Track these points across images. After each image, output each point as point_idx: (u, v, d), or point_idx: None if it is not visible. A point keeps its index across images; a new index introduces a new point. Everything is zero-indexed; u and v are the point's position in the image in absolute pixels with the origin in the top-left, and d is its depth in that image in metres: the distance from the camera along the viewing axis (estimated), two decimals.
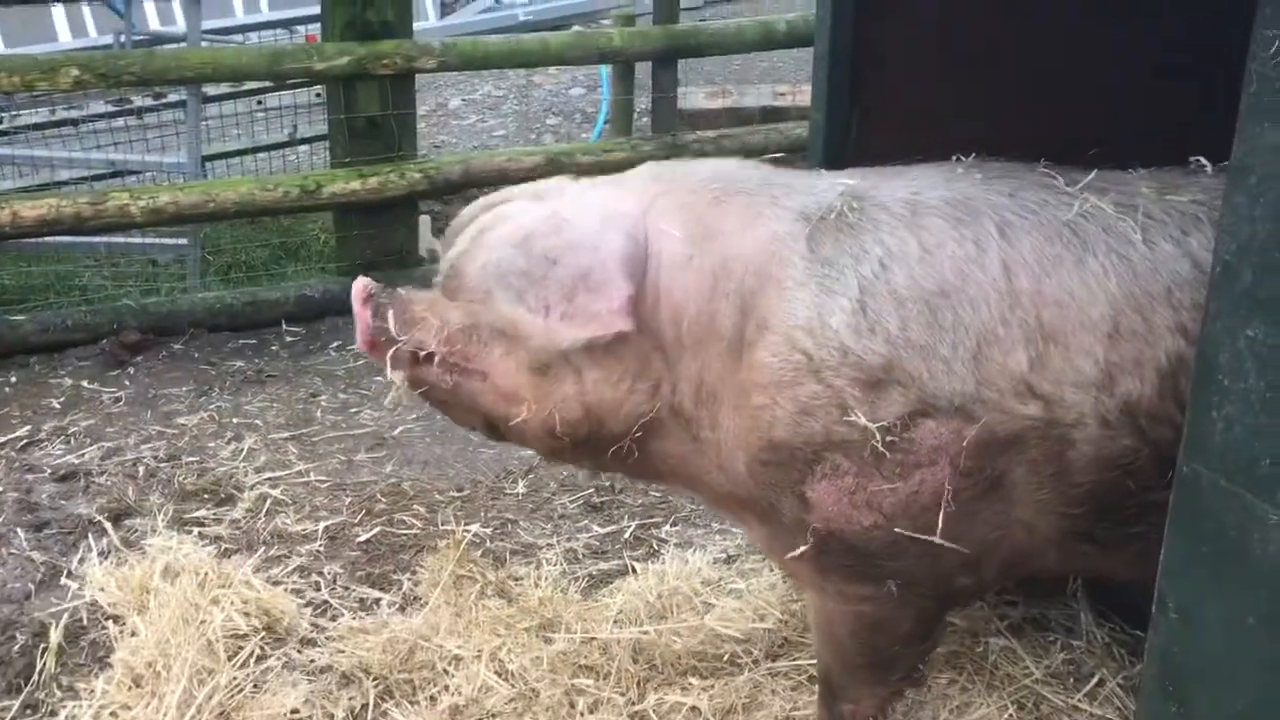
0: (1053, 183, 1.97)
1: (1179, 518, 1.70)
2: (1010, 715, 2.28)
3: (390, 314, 2.03)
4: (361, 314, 2.07)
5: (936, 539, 1.87)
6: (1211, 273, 1.60)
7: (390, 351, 2.03)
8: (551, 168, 5.17)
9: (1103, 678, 2.36)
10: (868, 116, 2.67)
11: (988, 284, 1.84)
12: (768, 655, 2.54)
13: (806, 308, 1.84)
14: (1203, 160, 2.04)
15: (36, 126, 5.15)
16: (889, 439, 1.80)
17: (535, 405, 1.96)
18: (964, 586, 2.00)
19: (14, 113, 5.09)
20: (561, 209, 1.95)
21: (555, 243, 1.90)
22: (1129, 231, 1.88)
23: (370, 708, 2.46)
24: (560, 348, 1.91)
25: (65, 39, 7.56)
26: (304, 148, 5.65)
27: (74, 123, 5.19)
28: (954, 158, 2.12)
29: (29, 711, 2.52)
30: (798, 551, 1.93)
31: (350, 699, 2.48)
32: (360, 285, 2.08)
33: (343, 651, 2.62)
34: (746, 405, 1.88)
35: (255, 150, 5.41)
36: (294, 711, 2.40)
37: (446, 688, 2.48)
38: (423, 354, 2.01)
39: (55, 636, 2.68)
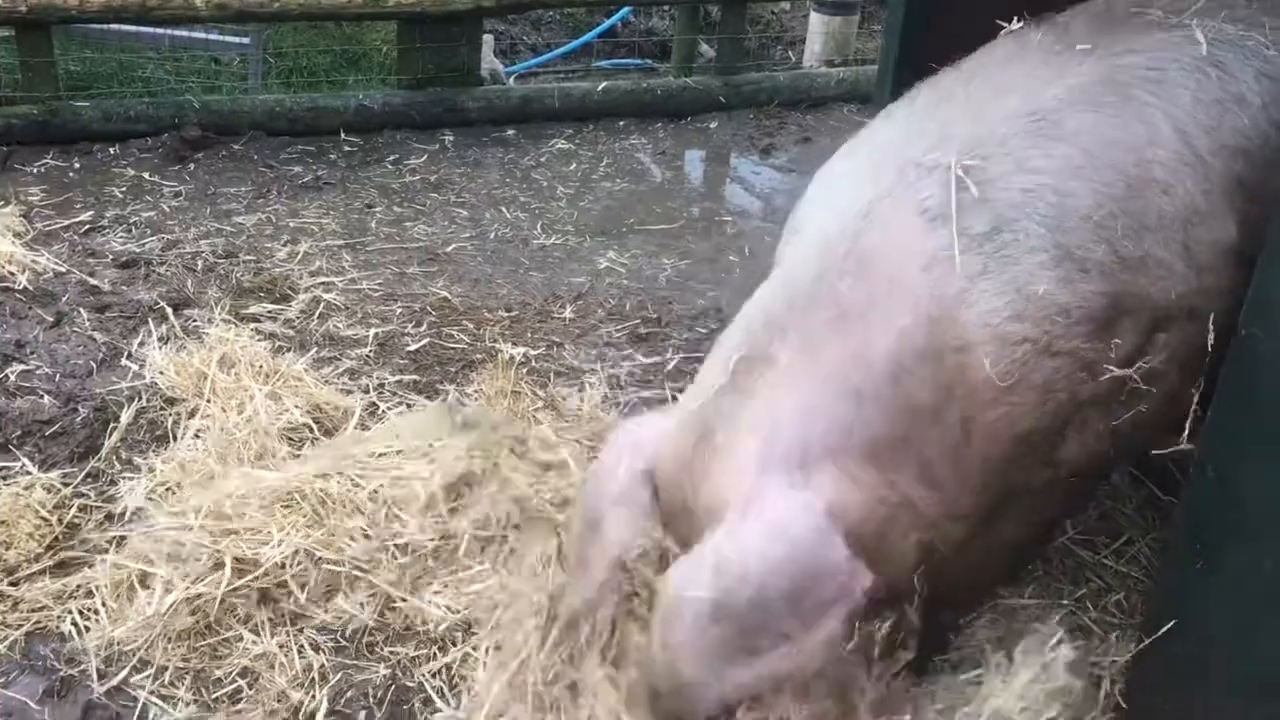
0: (1158, 18, 1.85)
1: (1232, 381, 1.70)
2: (1034, 566, 2.34)
3: None
4: None
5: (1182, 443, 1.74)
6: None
7: None
8: None
9: (1132, 537, 2.41)
10: None
11: (1172, 161, 1.70)
12: None
13: (999, 297, 1.65)
14: None
15: None
16: (1138, 371, 1.68)
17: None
18: None
19: None
20: (722, 553, 1.63)
21: (755, 596, 1.61)
22: (1261, 46, 1.78)
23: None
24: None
25: None
26: None
27: None
28: (1006, 29, 1.98)
29: (90, 479, 2.63)
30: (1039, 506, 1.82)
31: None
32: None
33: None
34: (982, 422, 1.68)
35: None
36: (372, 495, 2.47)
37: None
38: None
39: (125, 416, 2.77)
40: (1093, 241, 1.66)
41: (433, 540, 2.37)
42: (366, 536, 2.36)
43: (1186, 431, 1.73)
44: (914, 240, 1.67)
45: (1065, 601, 2.24)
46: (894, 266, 1.67)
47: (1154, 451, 1.80)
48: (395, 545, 2.36)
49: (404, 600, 2.29)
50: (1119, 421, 1.71)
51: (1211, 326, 1.68)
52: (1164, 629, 1.84)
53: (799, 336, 1.70)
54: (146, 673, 2.16)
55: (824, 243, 1.77)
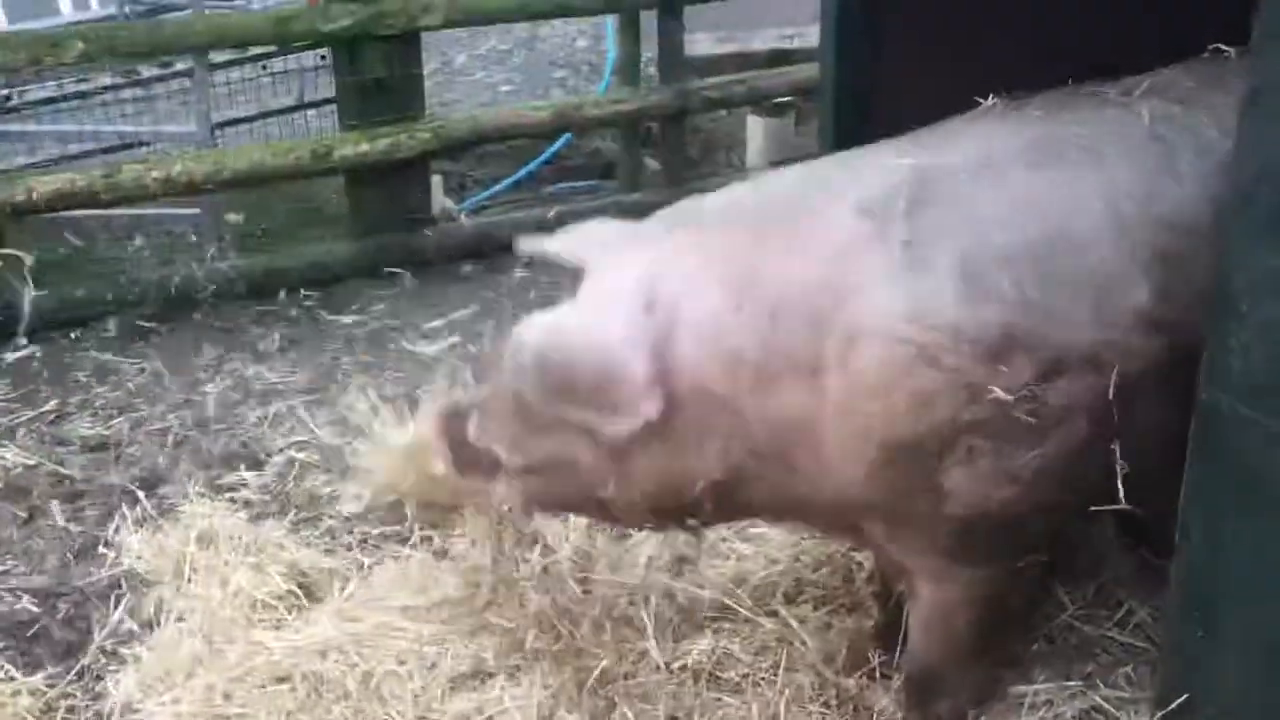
0: (1112, 97, 1.97)
1: (1200, 445, 1.71)
2: (1040, 647, 2.31)
3: (467, 431, 2.08)
4: (440, 447, 2.11)
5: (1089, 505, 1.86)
6: (1228, 197, 1.60)
7: (483, 471, 2.06)
8: (561, 121, 5.17)
9: (1131, 607, 2.39)
10: (880, 56, 2.65)
11: (1094, 222, 1.79)
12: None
13: (901, 298, 1.76)
14: (1222, 47, 2.04)
15: (45, 101, 5.15)
16: (1025, 407, 1.73)
17: (615, 484, 1.93)
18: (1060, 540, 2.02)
19: (21, 89, 5.09)
20: (561, 316, 1.92)
21: (562, 356, 1.87)
22: (1204, 128, 1.87)
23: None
24: (611, 440, 1.87)
25: (68, 12, 7.53)
26: (312, 111, 5.64)
27: (82, 95, 5.19)
28: (990, 98, 2.09)
29: (76, 678, 2.57)
30: (932, 543, 1.89)
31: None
32: (434, 421, 2.16)
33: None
34: (855, 415, 1.79)
35: (264, 116, 5.40)
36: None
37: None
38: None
39: (112, 612, 2.74)
40: (1002, 278, 1.76)
41: None
42: None
43: (1120, 492, 1.78)
44: (841, 223, 1.83)
45: (1074, 681, 2.21)
46: (818, 237, 1.83)
47: (1093, 509, 1.85)
48: None
49: None
50: (1015, 465, 1.75)
51: (1113, 381, 1.75)
52: (1175, 703, 1.82)
53: (717, 237, 1.90)
54: None
55: (766, 199, 1.98)
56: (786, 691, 2.24)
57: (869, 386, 1.76)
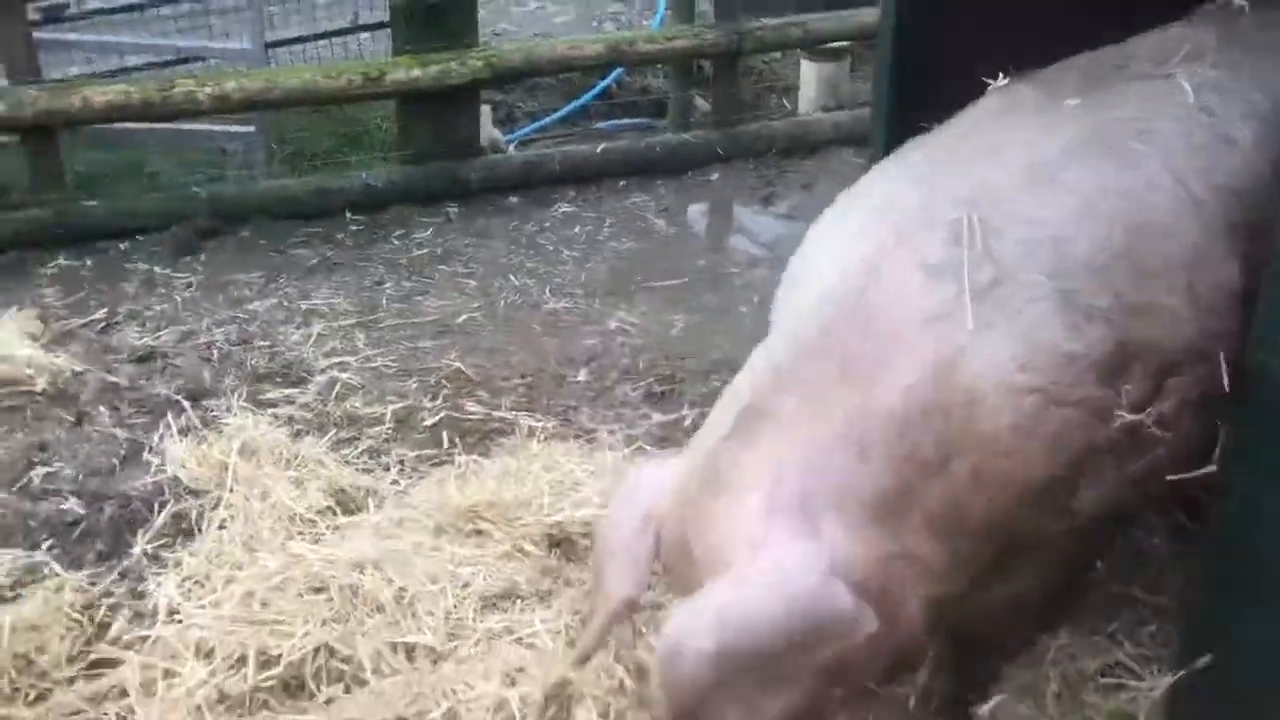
0: (1146, 70, 1.90)
1: (1246, 409, 1.70)
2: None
3: None
4: None
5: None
6: None
7: None
8: (613, 55, 5.14)
9: (1162, 567, 2.39)
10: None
11: (1169, 206, 1.72)
12: None
13: (1007, 349, 1.64)
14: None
15: (102, 12, 5.18)
16: (1149, 416, 1.68)
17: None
18: None
19: None
20: (725, 606, 1.59)
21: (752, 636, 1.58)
22: (1245, 89, 1.82)
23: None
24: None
25: None
26: (364, 36, 5.64)
27: (140, 7, 5.21)
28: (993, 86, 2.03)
29: (119, 578, 2.65)
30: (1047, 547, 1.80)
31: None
32: None
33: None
34: (992, 477, 1.67)
35: (317, 37, 5.40)
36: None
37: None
38: None
39: (157, 516, 2.80)
40: (1096, 288, 1.66)
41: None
42: None
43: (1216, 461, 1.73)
44: (916, 297, 1.68)
45: (1098, 637, 2.23)
46: (898, 322, 1.68)
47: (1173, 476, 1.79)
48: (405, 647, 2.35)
49: None
50: (1136, 468, 1.71)
51: (1225, 369, 1.69)
52: (1199, 662, 1.83)
53: (804, 389, 1.70)
54: None
55: (827, 297, 1.76)
56: None
57: (1003, 447, 1.65)
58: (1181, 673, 1.88)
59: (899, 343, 1.67)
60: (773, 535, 1.61)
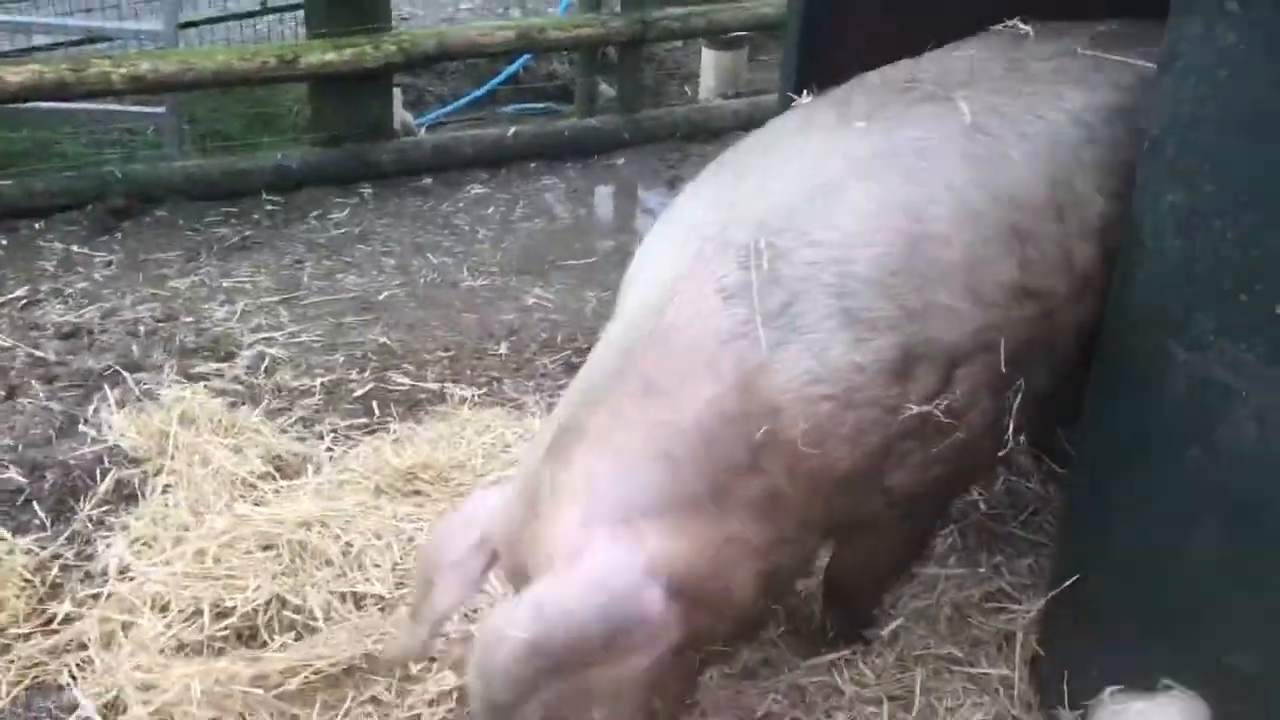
0: (925, 91, 2.09)
1: (1104, 359, 1.98)
2: (954, 541, 2.61)
3: None
4: None
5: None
6: (1139, 146, 1.85)
7: None
8: (523, 42, 5.29)
9: (1036, 508, 2.69)
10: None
11: (948, 215, 1.90)
12: None
13: (796, 362, 1.80)
14: (1019, 23, 2.27)
15: None
16: (940, 405, 1.86)
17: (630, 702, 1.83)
18: None
19: None
20: (542, 600, 1.72)
21: (564, 631, 1.70)
22: (1019, 113, 2.05)
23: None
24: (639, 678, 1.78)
25: None
26: (272, 18, 5.69)
27: None
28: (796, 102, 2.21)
29: (67, 542, 2.75)
30: (879, 520, 2.04)
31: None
32: None
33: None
34: (802, 474, 1.85)
35: (227, 19, 5.44)
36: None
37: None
38: None
39: (102, 479, 2.91)
40: (877, 301, 1.83)
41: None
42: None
43: (1009, 441, 1.98)
44: (714, 318, 1.82)
45: (983, 569, 2.51)
46: (696, 342, 1.82)
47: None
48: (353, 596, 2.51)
49: None
50: (941, 448, 1.92)
51: (1003, 353, 1.91)
52: (1067, 582, 2.11)
53: (609, 407, 1.82)
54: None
55: (631, 319, 1.91)
56: None
57: (807, 448, 1.81)
58: (1052, 594, 2.17)
59: (699, 360, 1.81)
60: (591, 543, 1.74)
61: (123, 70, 4.42)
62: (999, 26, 2.31)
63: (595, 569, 1.72)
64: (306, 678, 2.25)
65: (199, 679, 2.20)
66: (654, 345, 1.83)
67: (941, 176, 1.93)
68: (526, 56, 5.94)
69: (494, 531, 1.92)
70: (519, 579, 1.87)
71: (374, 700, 2.27)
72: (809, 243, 1.85)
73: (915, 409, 1.84)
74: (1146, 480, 1.95)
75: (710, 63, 6.06)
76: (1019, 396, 1.97)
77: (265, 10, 5.49)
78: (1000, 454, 2.02)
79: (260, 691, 2.20)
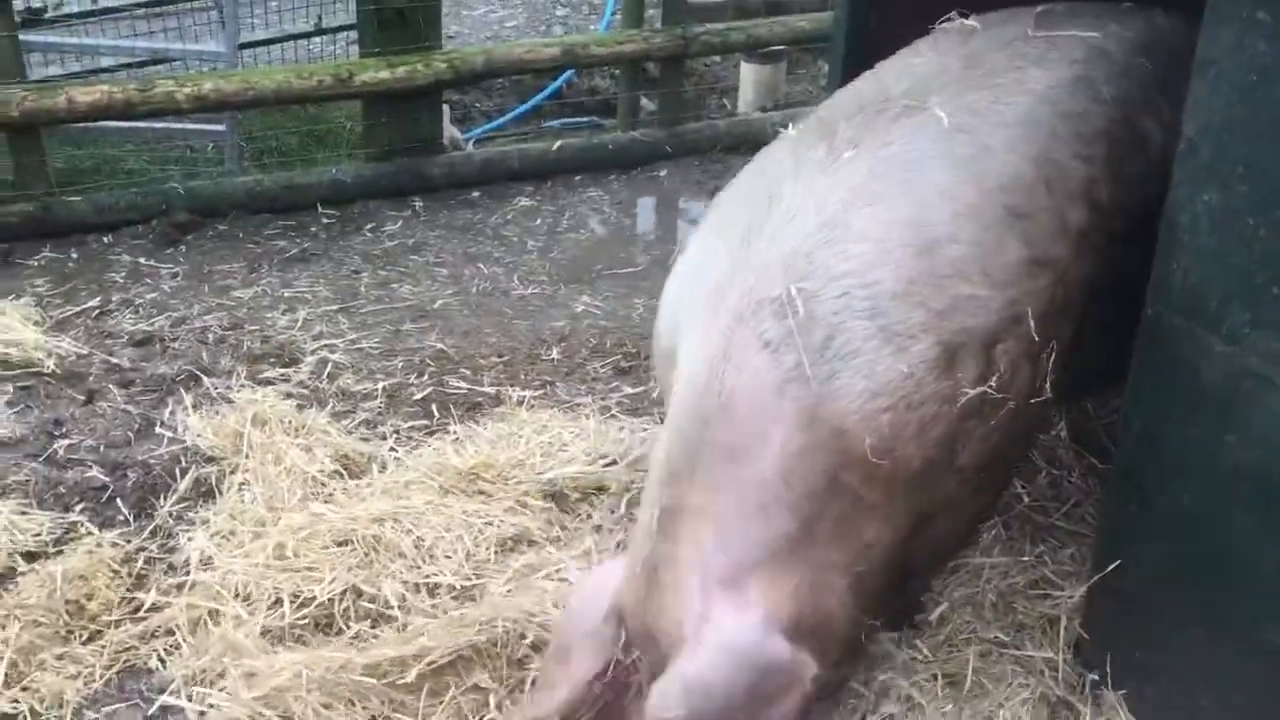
0: (901, 107, 2.21)
1: (1144, 351, 2.08)
2: (998, 533, 2.71)
3: None
4: None
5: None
6: (1177, 148, 1.95)
7: None
8: (568, 58, 5.44)
9: (1078, 500, 2.79)
10: (888, 12, 2.97)
11: (949, 217, 2.05)
12: None
13: (851, 386, 1.95)
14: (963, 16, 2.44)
15: (77, 15, 5.35)
16: (990, 384, 2.01)
17: None
18: None
19: (57, 2, 5.29)
20: (685, 676, 1.91)
21: (716, 709, 1.90)
22: (993, 104, 2.20)
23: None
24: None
25: None
26: (325, 37, 5.87)
27: (114, 11, 5.39)
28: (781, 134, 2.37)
29: (150, 536, 2.90)
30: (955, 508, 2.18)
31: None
32: None
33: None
34: (878, 481, 1.99)
35: (283, 40, 5.63)
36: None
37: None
38: None
39: (183, 477, 3.07)
40: (907, 311, 1.97)
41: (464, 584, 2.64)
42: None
43: (1048, 387, 2.12)
44: (765, 372, 1.97)
45: (1026, 559, 2.61)
46: (755, 399, 1.97)
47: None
48: (427, 587, 2.64)
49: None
50: (998, 419, 2.06)
51: (1030, 320, 2.06)
52: (1110, 567, 2.21)
53: (701, 480, 2.00)
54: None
55: (696, 390, 2.04)
56: None
57: (878, 455, 1.95)
58: (1094, 579, 2.26)
59: (763, 413, 1.96)
60: (712, 609, 1.94)
61: (187, 90, 4.60)
62: (944, 24, 2.46)
63: (720, 637, 1.92)
64: (421, 669, 2.33)
65: (307, 666, 2.32)
66: (722, 414, 1.98)
67: (934, 184, 2.08)
68: (569, 73, 6.08)
69: (621, 604, 2.11)
70: (647, 644, 2.07)
71: (477, 688, 2.38)
72: (833, 277, 1.99)
73: (970, 392, 1.97)
74: (1184, 467, 2.04)
75: (749, 76, 6.19)
76: (1052, 355, 2.11)
77: (319, 31, 5.67)
78: (1044, 409, 2.18)
79: (372, 680, 2.31)
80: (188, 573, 2.75)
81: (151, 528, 2.93)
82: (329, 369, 3.71)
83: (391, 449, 3.26)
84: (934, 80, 2.26)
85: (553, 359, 3.83)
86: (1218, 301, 1.90)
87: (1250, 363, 1.87)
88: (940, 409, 1.99)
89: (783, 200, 2.11)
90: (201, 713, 2.39)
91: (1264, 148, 1.79)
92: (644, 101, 5.97)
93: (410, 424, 3.42)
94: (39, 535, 2.82)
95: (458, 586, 2.60)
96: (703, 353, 2.05)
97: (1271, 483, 1.89)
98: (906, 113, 2.18)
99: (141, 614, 2.65)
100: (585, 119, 6.18)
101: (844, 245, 2.01)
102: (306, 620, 2.58)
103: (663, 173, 5.48)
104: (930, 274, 2.00)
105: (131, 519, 2.97)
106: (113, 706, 2.44)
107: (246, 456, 3.08)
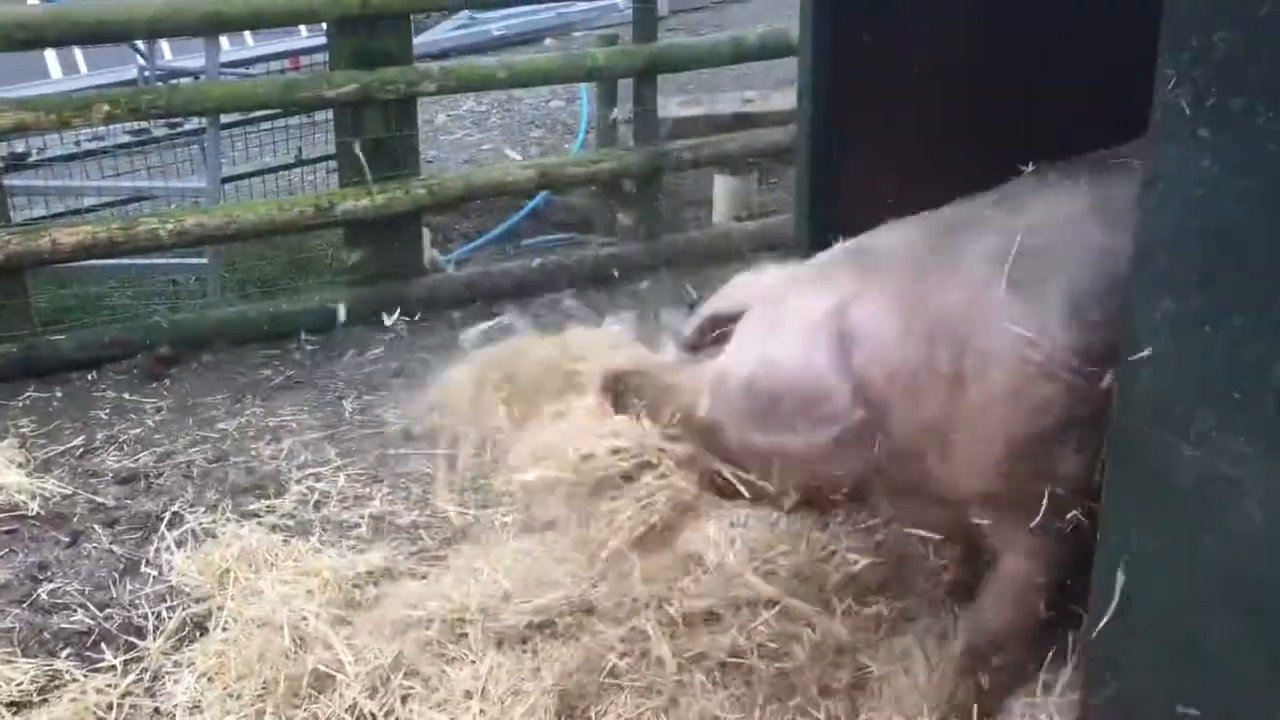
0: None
1: (1116, 457, 2.11)
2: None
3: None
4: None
5: None
6: (1132, 257, 2.01)
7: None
8: (544, 180, 5.56)
9: None
10: (850, 132, 3.07)
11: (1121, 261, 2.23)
12: None
13: (1025, 324, 2.17)
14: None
15: (61, 158, 5.46)
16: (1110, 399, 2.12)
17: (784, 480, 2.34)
18: None
19: (41, 145, 5.40)
20: (768, 349, 2.29)
21: (771, 385, 2.26)
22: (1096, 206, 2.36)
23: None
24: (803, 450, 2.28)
25: (55, 75, 7.88)
26: (306, 166, 5.99)
27: (95, 153, 5.51)
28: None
29: (137, 679, 2.87)
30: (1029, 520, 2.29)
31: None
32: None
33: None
34: (987, 420, 2.22)
35: (264, 172, 5.74)
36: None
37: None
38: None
39: (169, 617, 3.05)
40: (1093, 306, 2.18)
41: None
42: None
43: None
44: (977, 264, 2.26)
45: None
46: (963, 275, 2.26)
47: None
48: None
49: None
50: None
51: None
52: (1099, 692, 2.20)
53: (895, 270, 2.32)
54: None
55: (915, 237, 2.38)
56: None
57: (1000, 397, 2.18)
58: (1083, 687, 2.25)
59: (957, 289, 2.25)
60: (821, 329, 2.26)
61: (170, 226, 4.69)
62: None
63: (808, 335, 2.26)
64: None
65: None
66: (936, 263, 2.31)
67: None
68: (545, 192, 6.20)
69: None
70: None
71: None
72: (1057, 250, 2.29)
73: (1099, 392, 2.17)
74: (1165, 572, 2.05)
75: (723, 188, 6.32)
76: None
77: (300, 163, 5.79)
78: None
79: None
80: (174, 718, 2.71)
81: (138, 671, 2.90)
82: (315, 498, 3.71)
83: (376, 582, 3.25)
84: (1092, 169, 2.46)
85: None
86: (1183, 407, 1.93)
87: (1219, 466, 1.89)
88: (1066, 396, 2.22)
89: (1018, 195, 2.42)
90: None
91: (1216, 258, 1.85)
92: (621, 216, 6.09)
93: (398, 552, 3.41)
94: (22, 685, 2.79)
95: None
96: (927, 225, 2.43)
97: (1250, 582, 1.91)
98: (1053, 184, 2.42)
99: None
100: (564, 235, 6.28)
101: (1073, 240, 2.28)
102: None
103: (642, 286, 5.55)
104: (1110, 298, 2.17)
105: (118, 663, 2.94)
106: None
107: (232, 599, 3.06)
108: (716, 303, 2.53)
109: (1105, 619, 2.19)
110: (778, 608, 2.87)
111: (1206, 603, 1.96)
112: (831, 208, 3.17)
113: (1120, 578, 2.14)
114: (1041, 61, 3.14)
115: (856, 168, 3.14)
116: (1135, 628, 2.13)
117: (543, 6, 9.17)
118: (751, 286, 2.48)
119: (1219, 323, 1.86)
